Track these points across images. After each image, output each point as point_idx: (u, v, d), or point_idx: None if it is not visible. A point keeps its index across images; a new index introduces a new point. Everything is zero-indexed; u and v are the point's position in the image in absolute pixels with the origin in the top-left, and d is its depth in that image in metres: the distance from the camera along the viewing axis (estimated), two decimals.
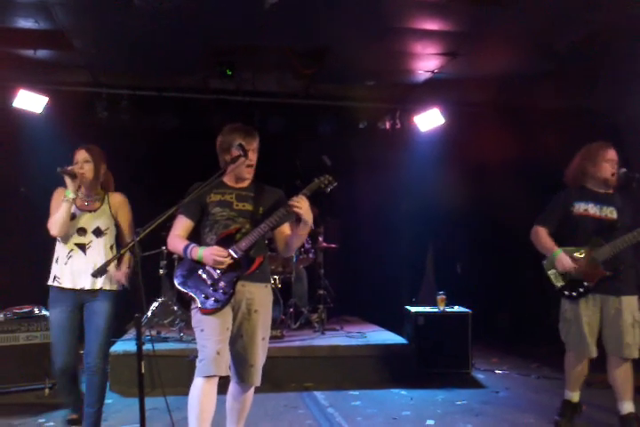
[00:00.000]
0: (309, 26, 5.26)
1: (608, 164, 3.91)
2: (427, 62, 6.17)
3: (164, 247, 6.01)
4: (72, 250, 3.64)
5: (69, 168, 3.60)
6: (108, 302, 3.64)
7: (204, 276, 3.12)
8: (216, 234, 3.17)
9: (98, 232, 3.68)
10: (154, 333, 5.71)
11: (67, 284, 3.62)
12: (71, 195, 3.57)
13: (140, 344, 2.72)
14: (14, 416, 4.28)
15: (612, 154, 3.94)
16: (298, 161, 6.51)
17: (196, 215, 3.23)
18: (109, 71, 6.49)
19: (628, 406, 3.81)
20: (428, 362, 5.61)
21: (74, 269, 3.61)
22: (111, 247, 3.73)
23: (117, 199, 3.80)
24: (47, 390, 4.79)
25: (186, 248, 3.12)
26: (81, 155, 3.69)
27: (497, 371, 5.84)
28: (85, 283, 3.61)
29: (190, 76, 6.61)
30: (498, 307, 7.53)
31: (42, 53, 5.80)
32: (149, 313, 6.06)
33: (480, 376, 5.62)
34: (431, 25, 5.24)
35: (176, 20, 5.05)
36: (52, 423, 4.18)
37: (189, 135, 6.78)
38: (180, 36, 5.41)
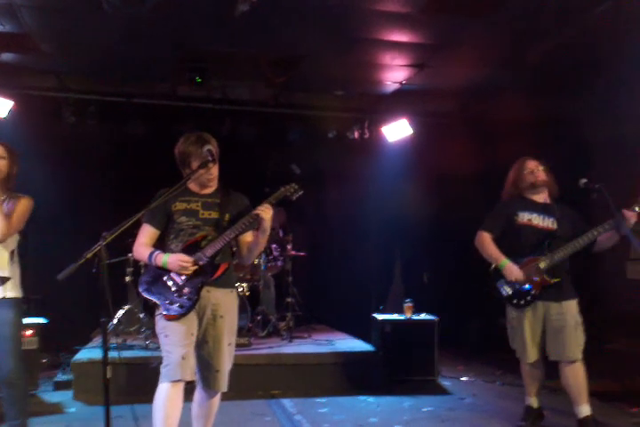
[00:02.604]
0: (280, 35, 5.29)
1: (527, 172, 4.13)
2: (395, 73, 6.26)
3: (130, 254, 5.94)
4: None
5: None
6: (12, 310, 3.41)
7: (169, 282, 3.11)
8: (182, 241, 3.16)
9: None
10: (119, 340, 5.63)
11: None
12: None
13: (105, 349, 2.68)
14: None
15: (531, 164, 4.15)
16: (267, 169, 6.52)
17: (161, 224, 3.21)
18: (77, 76, 6.42)
19: (584, 410, 3.87)
20: (395, 369, 5.62)
21: None
22: (12, 253, 3.46)
23: (22, 201, 3.47)
24: None
25: (150, 255, 3.11)
26: None
27: (463, 378, 5.90)
28: None
29: (160, 83, 6.59)
30: (463, 315, 7.61)
31: (7, 57, 5.71)
32: (115, 321, 5.98)
33: (446, 383, 5.67)
34: (400, 36, 5.32)
35: (146, 25, 5.03)
36: None
37: (158, 142, 6.70)
38: (151, 42, 5.39)
